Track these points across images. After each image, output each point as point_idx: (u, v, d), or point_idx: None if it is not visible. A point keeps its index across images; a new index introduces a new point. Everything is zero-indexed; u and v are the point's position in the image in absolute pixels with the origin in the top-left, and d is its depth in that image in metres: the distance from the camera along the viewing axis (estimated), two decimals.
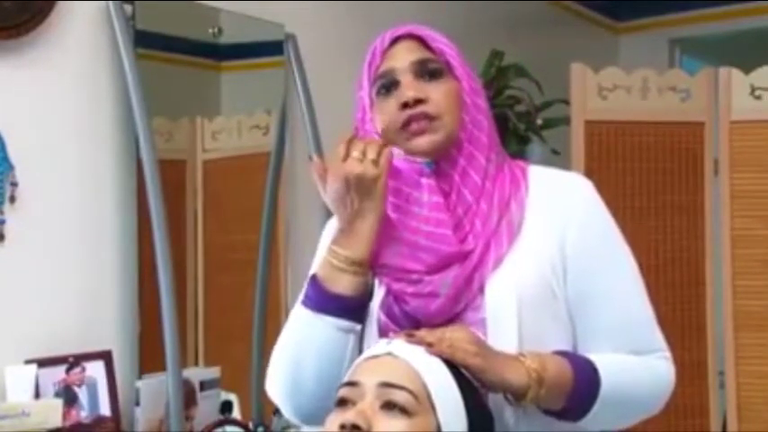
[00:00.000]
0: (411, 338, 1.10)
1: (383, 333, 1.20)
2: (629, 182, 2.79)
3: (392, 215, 1.22)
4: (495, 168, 1.25)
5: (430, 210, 1.21)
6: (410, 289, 1.19)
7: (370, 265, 1.21)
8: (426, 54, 1.25)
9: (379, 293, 1.22)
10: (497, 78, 3.21)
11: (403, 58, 1.25)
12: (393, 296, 1.21)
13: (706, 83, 2.82)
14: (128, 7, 2.07)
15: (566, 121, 2.88)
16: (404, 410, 1.03)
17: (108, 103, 2.07)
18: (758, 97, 2.75)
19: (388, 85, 1.24)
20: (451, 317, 1.18)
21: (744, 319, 2.72)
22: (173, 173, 2.21)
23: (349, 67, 2.74)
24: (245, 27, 2.43)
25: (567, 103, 2.87)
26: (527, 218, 1.23)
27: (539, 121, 3.21)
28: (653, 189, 2.81)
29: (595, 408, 1.16)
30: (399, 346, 1.10)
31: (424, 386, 1.06)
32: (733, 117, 2.77)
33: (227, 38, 2.41)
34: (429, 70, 1.24)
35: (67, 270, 1.98)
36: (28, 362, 1.83)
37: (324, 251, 1.27)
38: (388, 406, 1.04)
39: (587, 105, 2.79)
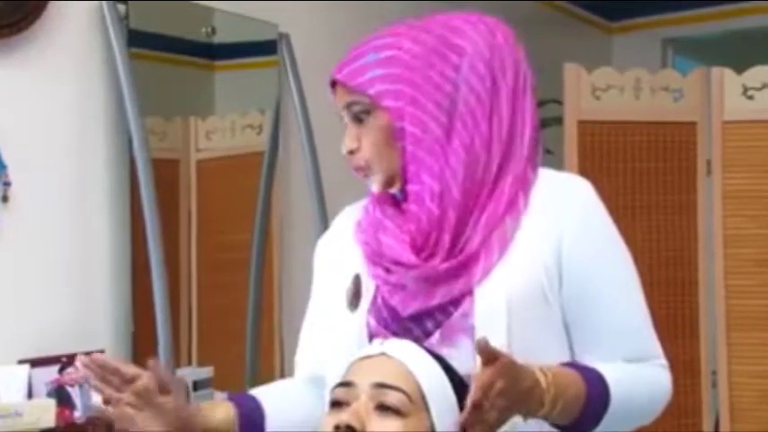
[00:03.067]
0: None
1: (373, 338, 1.19)
2: (622, 182, 2.80)
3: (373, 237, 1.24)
4: (473, 183, 1.20)
5: (395, 228, 1.22)
6: (384, 276, 1.21)
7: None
8: (351, 96, 1.24)
9: (365, 299, 1.23)
10: None
11: (338, 103, 1.27)
12: (376, 291, 1.22)
13: (698, 83, 2.83)
14: (121, 7, 2.07)
15: (559, 120, 2.89)
16: (398, 411, 1.04)
17: (101, 103, 2.06)
18: (750, 97, 2.76)
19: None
20: (437, 319, 1.19)
21: (736, 319, 2.73)
22: (166, 172, 2.21)
23: None
24: (238, 27, 2.43)
25: (560, 102, 2.87)
26: (527, 221, 1.21)
27: None
28: (646, 189, 2.81)
29: (603, 422, 1.16)
30: (393, 346, 1.10)
31: (418, 386, 1.06)
32: (725, 117, 2.77)
33: (221, 37, 2.41)
34: (355, 113, 1.23)
35: (60, 269, 1.97)
36: (21, 362, 1.82)
37: (321, 277, 1.32)
38: (383, 407, 1.04)
39: (580, 105, 2.79)
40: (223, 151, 2.43)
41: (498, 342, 1.14)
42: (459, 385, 1.10)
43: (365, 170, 1.23)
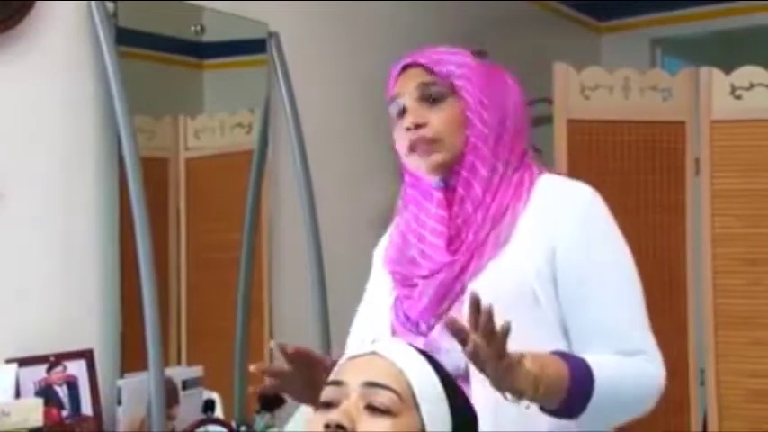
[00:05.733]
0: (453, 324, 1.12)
1: (393, 333, 1.37)
2: (611, 181, 2.80)
3: (412, 224, 1.40)
4: (500, 178, 1.35)
5: (435, 221, 1.37)
6: (406, 291, 1.37)
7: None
8: (430, 78, 1.38)
9: (391, 297, 1.40)
10: None
11: (407, 85, 1.39)
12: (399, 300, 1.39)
13: (687, 83, 2.84)
14: (109, 5, 2.06)
15: (549, 120, 2.89)
16: (388, 410, 1.04)
17: (90, 102, 2.05)
18: (738, 97, 2.78)
19: (399, 110, 1.39)
20: (439, 315, 1.31)
21: (724, 318, 2.74)
22: (155, 171, 2.20)
23: (332, 65, 2.75)
24: (227, 25, 2.42)
25: (549, 102, 2.88)
26: (521, 225, 1.33)
27: None
28: (634, 188, 2.82)
29: (589, 407, 1.21)
30: (383, 345, 1.11)
31: (409, 385, 1.06)
32: (714, 117, 2.79)
33: (210, 36, 2.40)
34: (431, 94, 1.36)
35: (49, 268, 1.97)
36: (8, 361, 1.82)
37: (374, 277, 1.49)
38: (373, 406, 1.04)
39: (570, 104, 2.80)
40: (212, 150, 2.42)
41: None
42: (449, 384, 1.10)
43: (432, 144, 1.35)
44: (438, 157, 1.35)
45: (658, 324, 2.86)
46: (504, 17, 3.62)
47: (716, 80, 2.79)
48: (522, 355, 1.14)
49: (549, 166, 2.76)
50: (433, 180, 1.38)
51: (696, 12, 4.19)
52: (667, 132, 2.84)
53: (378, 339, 1.14)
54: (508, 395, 1.15)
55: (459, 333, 1.10)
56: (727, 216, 2.77)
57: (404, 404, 1.04)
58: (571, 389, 1.19)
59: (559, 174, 1.47)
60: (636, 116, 2.82)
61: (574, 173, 2.75)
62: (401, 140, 1.39)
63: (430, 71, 1.37)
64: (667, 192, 2.83)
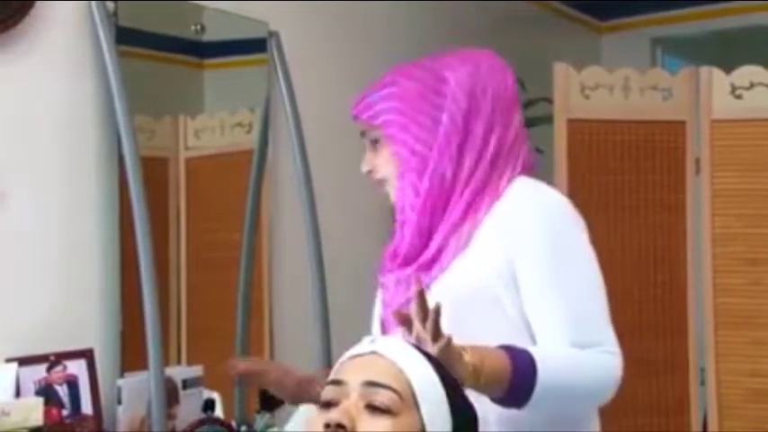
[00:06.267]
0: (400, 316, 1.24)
1: (383, 326, 1.50)
2: (611, 180, 2.81)
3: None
4: (442, 196, 1.43)
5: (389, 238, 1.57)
6: (382, 280, 1.52)
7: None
8: (366, 125, 1.52)
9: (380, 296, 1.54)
10: None
11: (360, 130, 1.54)
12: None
13: (687, 82, 2.84)
14: (110, 4, 2.06)
15: (549, 119, 2.89)
16: (388, 410, 1.04)
17: (90, 101, 2.05)
18: (739, 96, 2.77)
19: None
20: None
21: (724, 317, 2.74)
22: (155, 171, 2.20)
23: (332, 64, 2.75)
24: (228, 24, 2.42)
25: (550, 101, 2.88)
26: (484, 228, 1.41)
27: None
28: (635, 187, 2.82)
29: (535, 396, 1.26)
30: (384, 344, 1.11)
31: (409, 384, 1.06)
32: (714, 116, 2.79)
33: (211, 35, 2.40)
34: (370, 139, 1.52)
35: (49, 268, 1.97)
36: (8, 360, 1.82)
37: None
38: (373, 405, 1.04)
39: (570, 104, 2.80)
40: (212, 150, 2.42)
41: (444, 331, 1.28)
42: (450, 384, 1.10)
43: (382, 185, 1.52)
44: (387, 190, 1.52)
45: (659, 323, 2.88)
46: (504, 17, 3.62)
47: (716, 80, 2.79)
48: (461, 348, 1.19)
49: (549, 165, 2.78)
50: None
51: (696, 11, 4.19)
52: (667, 132, 2.84)
53: (376, 338, 1.14)
54: None
55: (405, 322, 1.20)
56: (728, 216, 2.77)
57: (404, 404, 1.05)
58: (513, 380, 1.25)
59: (534, 179, 1.49)
60: (636, 116, 2.82)
61: (574, 173, 2.77)
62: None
63: (362, 121, 1.51)
64: (667, 191, 2.83)
